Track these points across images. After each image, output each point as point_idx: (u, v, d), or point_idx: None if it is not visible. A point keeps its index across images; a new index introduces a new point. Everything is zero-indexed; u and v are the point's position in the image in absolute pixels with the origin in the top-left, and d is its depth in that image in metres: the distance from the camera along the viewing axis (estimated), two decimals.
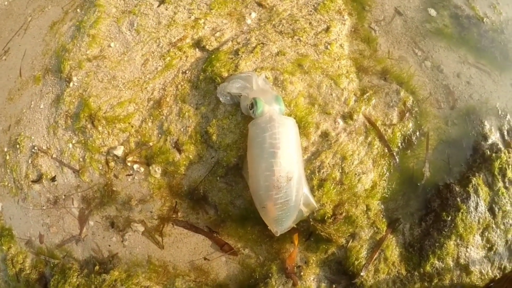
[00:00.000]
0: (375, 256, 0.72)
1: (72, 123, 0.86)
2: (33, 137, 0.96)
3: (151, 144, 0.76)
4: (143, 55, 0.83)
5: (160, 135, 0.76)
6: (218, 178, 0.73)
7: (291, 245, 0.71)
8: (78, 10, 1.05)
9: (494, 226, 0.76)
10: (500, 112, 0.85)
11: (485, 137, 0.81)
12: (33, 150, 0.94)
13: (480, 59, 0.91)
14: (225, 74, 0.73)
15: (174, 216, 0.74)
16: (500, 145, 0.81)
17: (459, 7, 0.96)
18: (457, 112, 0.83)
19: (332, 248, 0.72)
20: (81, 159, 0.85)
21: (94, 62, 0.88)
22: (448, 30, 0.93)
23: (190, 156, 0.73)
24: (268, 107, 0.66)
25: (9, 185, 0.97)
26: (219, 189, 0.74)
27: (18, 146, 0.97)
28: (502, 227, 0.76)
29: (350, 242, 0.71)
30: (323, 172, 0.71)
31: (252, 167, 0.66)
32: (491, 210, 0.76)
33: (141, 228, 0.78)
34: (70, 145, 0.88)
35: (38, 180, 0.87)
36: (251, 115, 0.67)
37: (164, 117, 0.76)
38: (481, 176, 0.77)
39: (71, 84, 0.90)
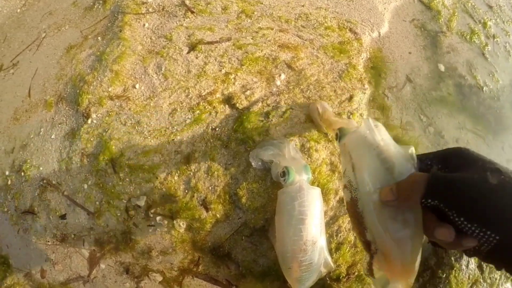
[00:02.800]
0: None
1: (89, 163, 0.80)
2: (41, 168, 0.88)
3: (176, 198, 0.72)
4: (170, 104, 0.78)
5: (186, 191, 0.73)
6: (243, 238, 0.72)
7: None
8: (99, 38, 0.97)
9: (481, 280, 0.83)
10: None
11: None
12: (41, 182, 0.87)
13: (476, 125, 0.99)
14: (257, 138, 0.72)
15: (195, 269, 0.73)
16: None
17: (463, 76, 1.03)
18: None
19: None
20: (97, 203, 0.79)
21: (116, 101, 0.83)
22: (451, 98, 1.00)
23: (217, 215, 0.72)
24: (298, 177, 0.66)
25: (9, 212, 0.89)
26: (243, 247, 0.73)
27: (23, 174, 0.89)
28: (488, 281, 0.84)
29: None
30: (340, 236, 0.72)
31: (280, 231, 0.66)
32: (480, 267, 0.84)
33: (159, 278, 0.75)
34: (85, 186, 0.82)
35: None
36: (281, 182, 0.67)
37: (191, 173, 0.73)
38: None
39: (89, 121, 0.84)
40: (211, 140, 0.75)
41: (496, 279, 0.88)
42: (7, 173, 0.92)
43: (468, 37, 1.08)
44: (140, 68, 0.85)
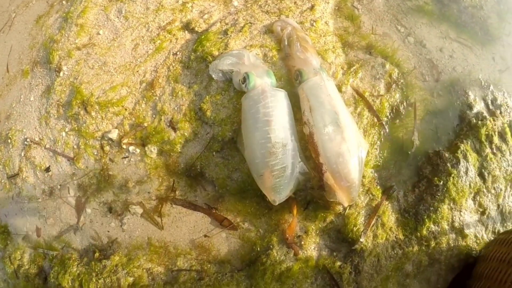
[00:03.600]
0: (373, 222, 0.73)
1: (64, 111, 0.85)
2: (24, 130, 0.94)
3: (145, 125, 0.75)
4: (133, 40, 0.82)
5: (154, 116, 0.76)
6: (214, 154, 0.73)
7: (290, 215, 0.72)
8: (63, 2, 1.03)
9: (485, 190, 0.78)
10: (483, 83, 0.89)
11: (470, 107, 0.84)
12: (25, 142, 0.92)
13: (461, 34, 0.94)
14: (216, 53, 0.73)
15: (172, 195, 0.74)
16: (485, 114, 0.84)
17: None
18: (441, 84, 0.86)
19: (330, 216, 0.73)
20: (75, 147, 0.83)
21: (83, 50, 0.87)
22: (428, 7, 0.96)
23: (185, 134, 0.73)
24: (260, 81, 0.66)
25: (3, 181, 0.94)
26: (215, 164, 0.74)
27: (9, 141, 0.95)
28: (493, 191, 0.79)
29: (347, 209, 0.73)
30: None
31: (247, 137, 0.66)
32: (481, 175, 0.79)
33: (140, 210, 0.77)
34: (64, 134, 0.86)
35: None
36: (243, 90, 0.68)
37: (157, 98, 0.76)
38: (469, 143, 0.80)
39: (61, 74, 0.89)
40: (173, 64, 0.78)
41: (501, 189, 0.82)
42: None
43: None
44: (103, 16, 0.90)
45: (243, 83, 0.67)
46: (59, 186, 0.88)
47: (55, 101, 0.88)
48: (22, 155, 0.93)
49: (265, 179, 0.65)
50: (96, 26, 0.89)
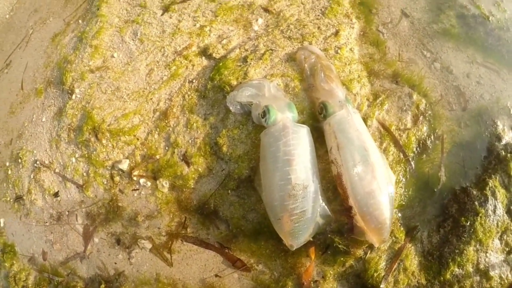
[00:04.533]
0: (395, 266, 0.68)
1: (75, 136, 0.82)
2: (35, 151, 0.91)
3: (157, 157, 0.71)
4: (147, 65, 0.79)
5: (167, 148, 0.72)
6: (229, 192, 0.68)
7: (307, 259, 0.66)
8: (80, 21, 1.01)
9: None
10: (511, 111, 0.82)
11: (499, 138, 0.77)
12: (35, 164, 0.89)
13: (488, 58, 0.87)
14: (234, 82, 0.69)
15: (183, 232, 0.69)
16: None
17: (465, 6, 0.93)
18: (469, 113, 0.79)
19: (350, 261, 0.67)
20: (84, 174, 0.79)
21: (97, 73, 0.84)
22: (455, 30, 0.90)
23: (200, 169, 0.69)
24: (281, 115, 0.61)
25: (11, 200, 0.92)
26: (230, 203, 0.69)
27: (20, 160, 0.92)
28: None
29: (368, 253, 0.67)
30: (334, 181, 0.66)
31: (266, 177, 0.61)
32: (509, 212, 0.72)
33: (149, 245, 0.73)
34: (73, 159, 0.83)
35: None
36: (263, 124, 0.62)
37: (171, 129, 0.72)
38: (497, 177, 0.73)
39: (73, 96, 0.86)
40: (189, 93, 0.74)
41: None
42: (7, 164, 0.96)
43: None
44: (118, 38, 0.87)
45: (262, 117, 0.62)
46: (67, 212, 0.84)
47: (66, 124, 0.85)
48: (32, 177, 0.90)
49: (283, 223, 0.59)
50: (111, 48, 0.86)
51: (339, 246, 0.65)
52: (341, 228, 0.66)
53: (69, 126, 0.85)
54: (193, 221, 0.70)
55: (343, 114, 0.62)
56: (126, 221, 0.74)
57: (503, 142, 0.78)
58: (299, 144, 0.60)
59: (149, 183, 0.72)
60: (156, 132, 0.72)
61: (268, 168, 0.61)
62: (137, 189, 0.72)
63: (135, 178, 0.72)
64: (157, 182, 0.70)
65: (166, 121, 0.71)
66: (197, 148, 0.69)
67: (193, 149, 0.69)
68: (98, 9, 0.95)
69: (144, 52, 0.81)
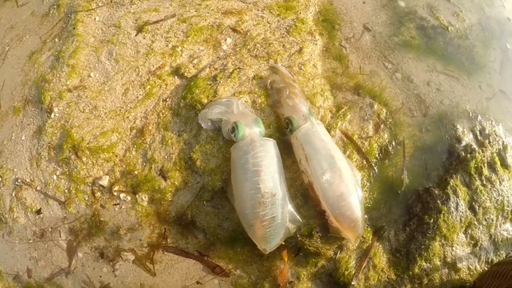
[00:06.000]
0: (364, 264, 0.73)
1: (55, 154, 0.84)
2: (15, 170, 0.93)
3: (136, 172, 0.75)
4: (123, 84, 0.82)
5: (144, 163, 0.76)
6: (204, 203, 0.73)
7: (281, 262, 0.72)
8: (56, 39, 1.03)
9: (476, 223, 0.79)
10: (471, 114, 0.89)
11: (459, 140, 0.85)
12: (16, 182, 0.91)
13: (447, 66, 0.95)
14: (205, 100, 0.74)
15: (163, 242, 0.73)
16: (474, 146, 0.84)
17: (424, 18, 1.00)
18: (430, 119, 0.87)
19: (321, 261, 0.73)
20: (66, 191, 0.82)
21: (74, 92, 0.87)
22: (415, 42, 0.97)
23: (176, 183, 0.73)
24: (249, 130, 0.66)
25: None
26: (206, 213, 0.74)
27: (0, 179, 0.95)
28: (484, 222, 0.80)
29: (338, 253, 0.72)
30: (306, 189, 0.72)
31: (237, 188, 0.66)
32: (471, 208, 0.79)
33: (132, 257, 0.77)
34: (55, 177, 0.86)
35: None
36: (232, 139, 0.68)
37: (147, 145, 0.76)
38: (459, 177, 0.80)
39: (52, 115, 0.88)
40: (163, 111, 0.78)
41: (492, 220, 0.83)
42: None
43: None
44: (94, 58, 0.90)
45: (232, 133, 0.67)
46: (50, 229, 0.87)
47: (46, 143, 0.88)
48: (13, 195, 0.92)
49: (256, 229, 0.64)
50: (87, 67, 0.89)
51: (310, 248, 0.71)
52: (311, 231, 0.72)
53: (49, 145, 0.87)
54: (173, 231, 0.74)
55: (307, 127, 0.68)
56: (108, 235, 0.77)
57: (463, 143, 0.85)
58: (266, 156, 0.66)
59: (129, 198, 0.75)
60: (134, 149, 0.76)
61: (239, 179, 0.66)
62: (118, 204, 0.76)
63: (115, 193, 0.76)
64: (137, 196, 0.74)
65: (143, 138, 0.75)
66: (173, 163, 0.73)
67: (169, 164, 0.73)
68: (74, 28, 0.98)
69: (119, 72, 0.84)
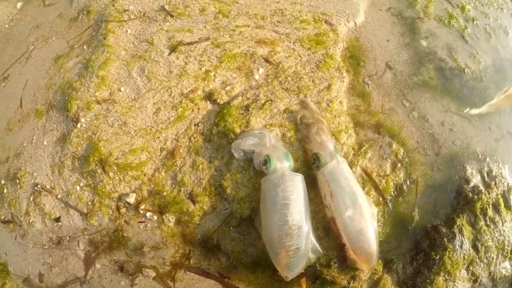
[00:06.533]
0: None
1: (80, 165, 0.84)
2: (35, 174, 0.92)
3: (164, 193, 0.76)
4: (154, 104, 0.83)
5: (173, 185, 0.77)
6: (231, 228, 0.75)
7: None
8: (85, 47, 1.02)
9: (478, 260, 0.84)
10: (480, 156, 0.94)
11: (467, 181, 0.89)
12: (35, 188, 0.91)
13: (461, 107, 0.99)
14: (238, 130, 0.76)
15: (186, 262, 0.75)
16: (481, 187, 0.89)
17: (443, 59, 1.04)
18: (441, 158, 0.91)
19: None
20: (89, 203, 0.82)
21: (103, 105, 0.87)
22: (433, 82, 1.02)
23: (204, 207, 0.75)
24: (280, 164, 0.69)
25: (6, 219, 0.93)
26: (232, 238, 0.76)
27: (18, 181, 0.93)
28: (485, 260, 0.85)
29: (351, 283, 0.76)
30: (327, 222, 0.75)
31: (266, 218, 0.69)
32: (474, 247, 0.84)
33: (153, 274, 0.77)
34: (78, 188, 0.85)
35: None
36: (263, 171, 0.70)
37: (177, 168, 0.77)
38: (465, 216, 0.85)
39: (78, 125, 0.88)
40: (195, 135, 0.79)
41: (493, 258, 0.88)
42: (3, 182, 0.96)
43: (446, 21, 1.10)
44: (125, 72, 0.90)
45: (264, 165, 0.69)
46: (68, 237, 0.87)
47: (71, 152, 0.87)
48: (31, 199, 0.92)
49: (281, 258, 0.68)
50: (118, 81, 0.89)
51: (327, 277, 0.74)
52: (329, 261, 0.75)
53: (73, 154, 0.87)
54: (196, 253, 0.76)
55: (334, 164, 0.72)
56: (130, 250, 0.78)
57: (471, 184, 0.90)
58: (295, 190, 0.69)
59: (155, 217, 0.76)
60: (163, 170, 0.77)
61: (268, 210, 0.69)
62: (143, 222, 0.77)
63: (141, 212, 0.77)
64: (164, 216, 0.75)
65: (173, 161, 0.76)
66: (203, 188, 0.75)
67: (199, 188, 0.75)
68: (104, 38, 0.97)
69: (151, 90, 0.84)
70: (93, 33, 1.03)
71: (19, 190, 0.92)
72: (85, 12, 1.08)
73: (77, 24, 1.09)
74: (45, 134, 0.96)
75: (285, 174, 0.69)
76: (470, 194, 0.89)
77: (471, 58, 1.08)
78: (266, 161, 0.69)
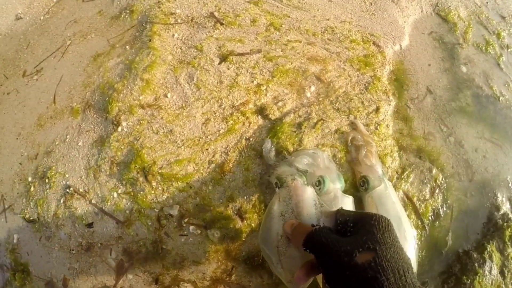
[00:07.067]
0: None
1: (119, 171, 0.80)
2: (67, 175, 0.88)
3: (211, 208, 0.73)
4: (203, 114, 0.80)
5: (221, 200, 0.74)
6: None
7: None
8: (127, 47, 0.99)
9: (503, 286, 0.85)
10: (510, 184, 0.95)
11: (498, 208, 0.90)
12: (67, 190, 0.86)
13: (494, 134, 1.00)
14: (291, 148, 0.74)
15: (227, 278, 0.73)
16: (510, 215, 0.90)
17: (480, 87, 1.05)
18: (474, 185, 0.91)
19: None
20: (127, 212, 0.78)
21: (148, 110, 0.83)
22: (469, 108, 1.02)
23: (252, 224, 0.72)
24: (333, 186, 0.68)
25: (31, 218, 0.89)
26: None
27: (47, 180, 0.88)
28: (510, 286, 0.86)
29: None
30: None
31: None
32: (501, 272, 0.85)
33: None
34: (115, 194, 0.82)
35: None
36: (316, 192, 0.69)
37: (226, 183, 0.74)
38: (494, 243, 0.86)
39: (119, 129, 0.84)
40: (245, 150, 0.77)
41: None
42: (30, 179, 0.91)
43: (483, 48, 1.12)
44: (171, 78, 0.87)
45: (317, 186, 0.67)
46: (99, 245, 0.82)
47: (109, 156, 0.83)
48: (61, 201, 0.87)
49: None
50: (164, 87, 0.86)
51: None
52: None
53: (112, 159, 0.83)
54: (239, 269, 0.73)
55: (382, 188, 0.71)
56: (168, 263, 0.75)
57: (501, 212, 0.90)
58: None
59: (199, 231, 0.73)
60: (211, 184, 0.74)
61: None
62: (185, 235, 0.73)
63: (184, 225, 0.73)
64: (208, 231, 0.72)
65: (222, 175, 0.74)
66: (252, 205, 0.72)
67: (248, 205, 0.72)
68: (149, 40, 0.94)
69: (200, 99, 0.82)
70: (137, 33, 0.99)
71: (48, 190, 0.87)
72: (128, 11, 1.05)
73: (118, 23, 1.05)
74: (80, 134, 0.92)
75: (338, 196, 0.67)
76: (500, 222, 0.90)
77: (505, 86, 1.10)
78: (320, 182, 0.67)
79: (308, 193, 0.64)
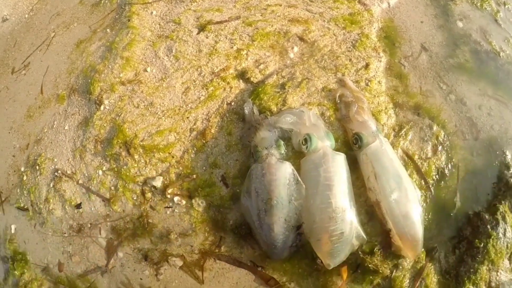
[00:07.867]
0: (417, 284, 0.70)
1: (103, 149, 0.78)
2: (55, 160, 0.86)
3: (194, 176, 0.69)
4: (183, 83, 0.77)
5: (204, 168, 0.70)
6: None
7: (338, 277, 0.66)
8: (108, 30, 0.97)
9: None
10: None
11: (508, 166, 0.82)
12: (56, 173, 0.85)
13: (497, 91, 0.91)
14: (274, 108, 0.69)
15: (216, 250, 0.67)
16: None
17: (478, 42, 0.97)
18: (480, 143, 0.83)
19: (377, 279, 0.68)
20: (112, 188, 0.75)
21: (128, 86, 0.81)
22: (468, 65, 0.94)
23: (238, 190, 0.67)
24: (321, 143, 0.62)
25: (25, 207, 0.87)
26: None
27: (37, 167, 0.87)
28: None
29: (394, 272, 0.68)
30: (370, 206, 0.67)
31: (307, 201, 0.62)
32: None
33: (180, 262, 0.70)
34: (100, 172, 0.79)
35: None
36: (303, 151, 0.63)
37: (209, 149, 0.70)
38: (507, 203, 0.77)
39: (102, 108, 0.82)
40: (227, 115, 0.72)
41: None
42: (22, 169, 0.90)
43: (478, 4, 1.04)
44: (151, 53, 0.84)
45: (304, 145, 0.62)
46: (89, 225, 0.80)
47: (93, 135, 0.81)
48: (51, 185, 0.85)
49: (323, 243, 0.60)
50: (143, 62, 0.83)
51: (369, 265, 0.66)
52: (372, 248, 0.67)
53: (96, 138, 0.81)
54: (228, 240, 0.69)
55: (377, 144, 0.64)
56: (156, 238, 0.71)
57: (511, 171, 0.83)
58: (338, 171, 0.61)
59: (183, 202, 0.69)
60: (193, 152, 0.70)
61: (309, 192, 0.62)
62: (171, 207, 0.69)
63: (169, 196, 0.69)
64: (193, 201, 0.68)
65: (204, 141, 0.70)
66: (237, 170, 0.68)
67: (233, 170, 0.68)
68: (129, 20, 0.91)
69: (179, 69, 0.78)
70: (116, 16, 0.97)
71: (38, 177, 0.86)
72: None
73: (99, 9, 1.04)
74: (66, 118, 0.90)
75: (327, 153, 0.61)
76: (511, 180, 0.82)
77: (505, 42, 1.01)
78: (307, 140, 0.61)
79: (282, 171, 0.60)
